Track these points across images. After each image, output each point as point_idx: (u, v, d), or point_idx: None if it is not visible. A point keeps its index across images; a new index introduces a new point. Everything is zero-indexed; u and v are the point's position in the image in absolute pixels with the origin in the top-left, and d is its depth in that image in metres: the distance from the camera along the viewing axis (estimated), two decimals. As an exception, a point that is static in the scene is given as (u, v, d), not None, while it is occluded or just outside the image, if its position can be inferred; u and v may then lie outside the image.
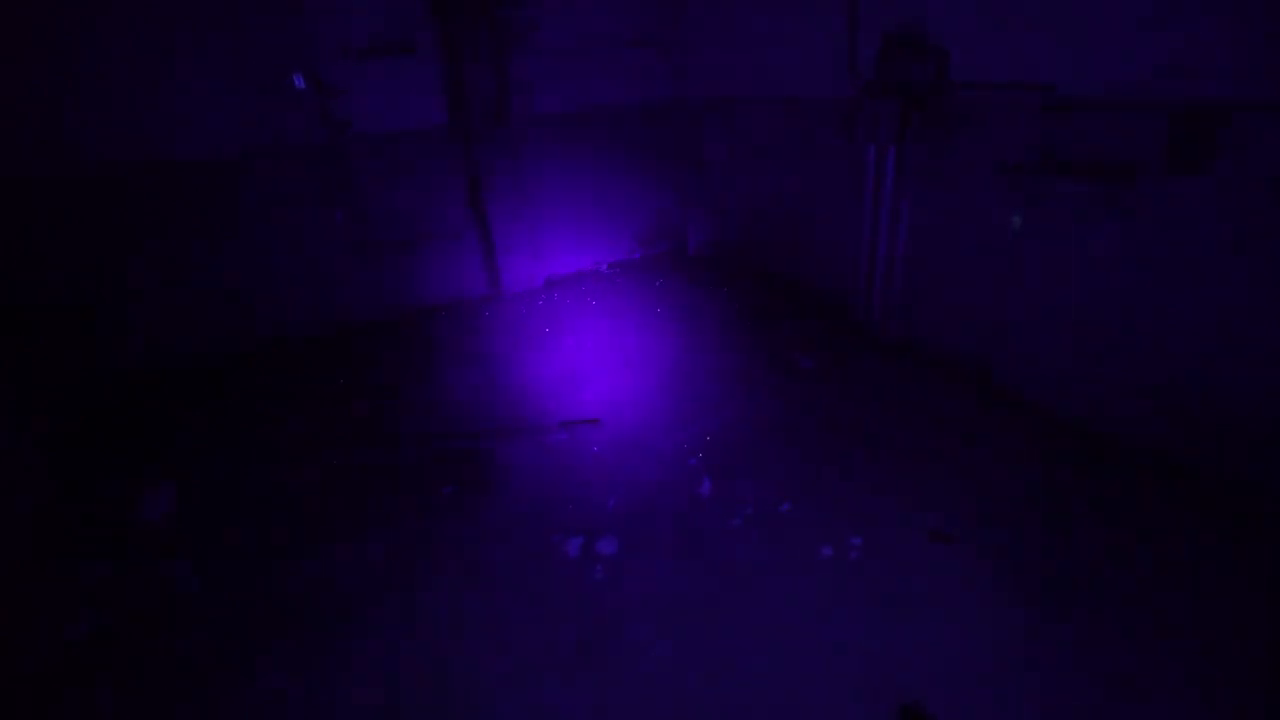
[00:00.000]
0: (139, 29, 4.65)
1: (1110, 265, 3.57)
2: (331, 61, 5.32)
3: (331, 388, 4.41)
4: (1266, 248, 2.95)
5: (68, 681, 2.21)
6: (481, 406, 4.59)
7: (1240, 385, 3.19)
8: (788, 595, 2.93)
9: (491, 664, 2.68)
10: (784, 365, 4.90)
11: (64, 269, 4.43)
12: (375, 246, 5.96)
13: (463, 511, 3.58)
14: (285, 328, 5.75)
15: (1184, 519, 3.19)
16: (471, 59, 5.77)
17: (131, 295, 4.90)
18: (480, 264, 6.57)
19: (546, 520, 3.49)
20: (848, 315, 5.45)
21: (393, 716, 2.46)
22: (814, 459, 3.82)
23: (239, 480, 3.33)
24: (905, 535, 3.23)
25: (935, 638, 2.68)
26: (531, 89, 6.17)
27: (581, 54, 6.32)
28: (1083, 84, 3.45)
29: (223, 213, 5.25)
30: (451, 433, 3.93)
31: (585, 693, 2.52)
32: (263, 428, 3.94)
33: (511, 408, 4.55)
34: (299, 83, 5.17)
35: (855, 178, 5.03)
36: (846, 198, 5.22)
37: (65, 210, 4.51)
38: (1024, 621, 2.72)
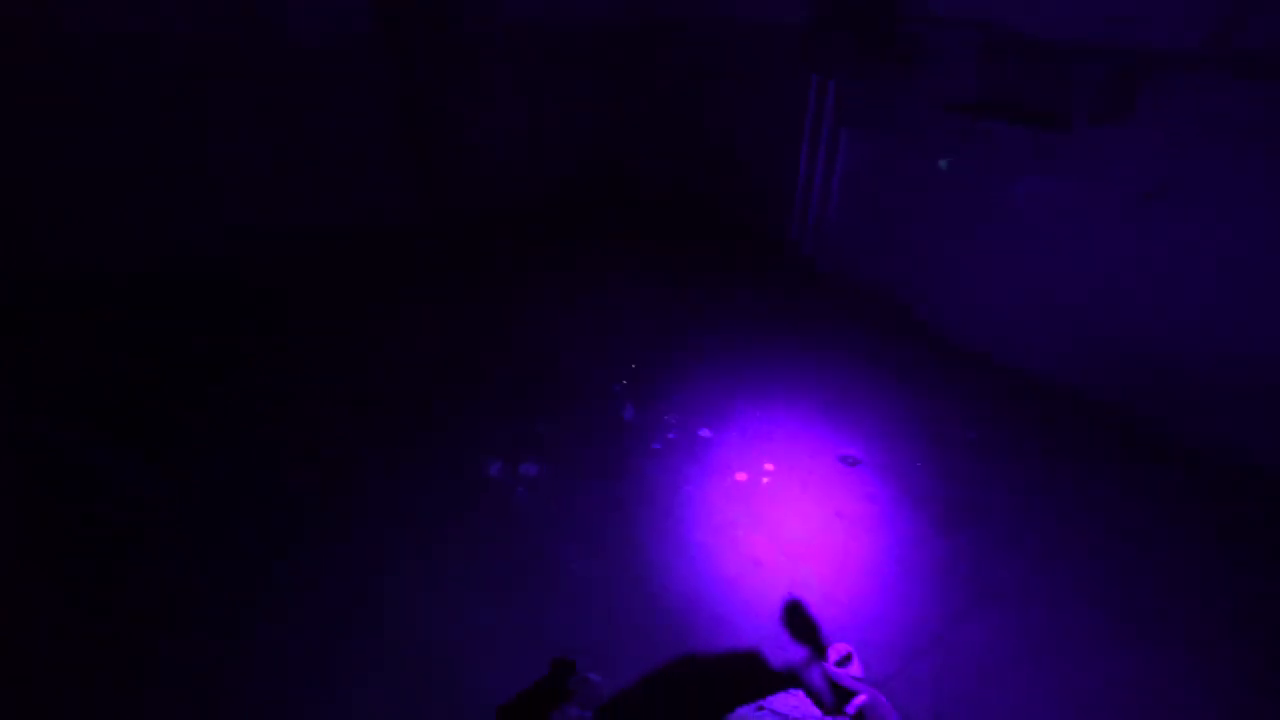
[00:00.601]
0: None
1: (1031, 207, 3.71)
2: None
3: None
4: (1177, 196, 3.12)
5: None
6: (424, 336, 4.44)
7: (1147, 320, 3.46)
8: (705, 512, 3.06)
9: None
10: (717, 296, 4.94)
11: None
12: (299, 166, 5.46)
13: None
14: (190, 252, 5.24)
15: (1087, 452, 3.50)
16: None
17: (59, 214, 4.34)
18: (410, 186, 6.16)
19: (477, 444, 3.48)
20: (785, 246, 5.50)
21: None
22: (735, 389, 3.93)
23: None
24: (816, 460, 3.40)
25: (838, 546, 2.89)
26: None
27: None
28: (1027, 23, 3.46)
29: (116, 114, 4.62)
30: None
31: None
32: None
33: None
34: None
35: (799, 105, 4.95)
36: (790, 126, 5.16)
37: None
38: (917, 533, 2.97)
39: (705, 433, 3.57)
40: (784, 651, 2.43)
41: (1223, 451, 3.30)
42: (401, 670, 2.37)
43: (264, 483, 3.17)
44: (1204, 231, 3.07)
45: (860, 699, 1.98)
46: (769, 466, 3.35)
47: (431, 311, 4.65)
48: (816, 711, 1.98)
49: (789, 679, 2.17)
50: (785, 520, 3.05)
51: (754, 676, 2.34)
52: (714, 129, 6.07)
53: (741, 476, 3.29)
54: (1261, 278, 2.95)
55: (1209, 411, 3.30)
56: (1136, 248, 3.33)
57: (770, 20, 5.02)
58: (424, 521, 2.99)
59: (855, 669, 2.25)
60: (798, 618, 2.57)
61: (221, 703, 2.23)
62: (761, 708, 1.95)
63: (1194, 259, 3.14)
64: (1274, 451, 3.15)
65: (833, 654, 2.32)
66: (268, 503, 3.06)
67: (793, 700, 2.00)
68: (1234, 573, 2.81)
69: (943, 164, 4.06)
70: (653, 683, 2.33)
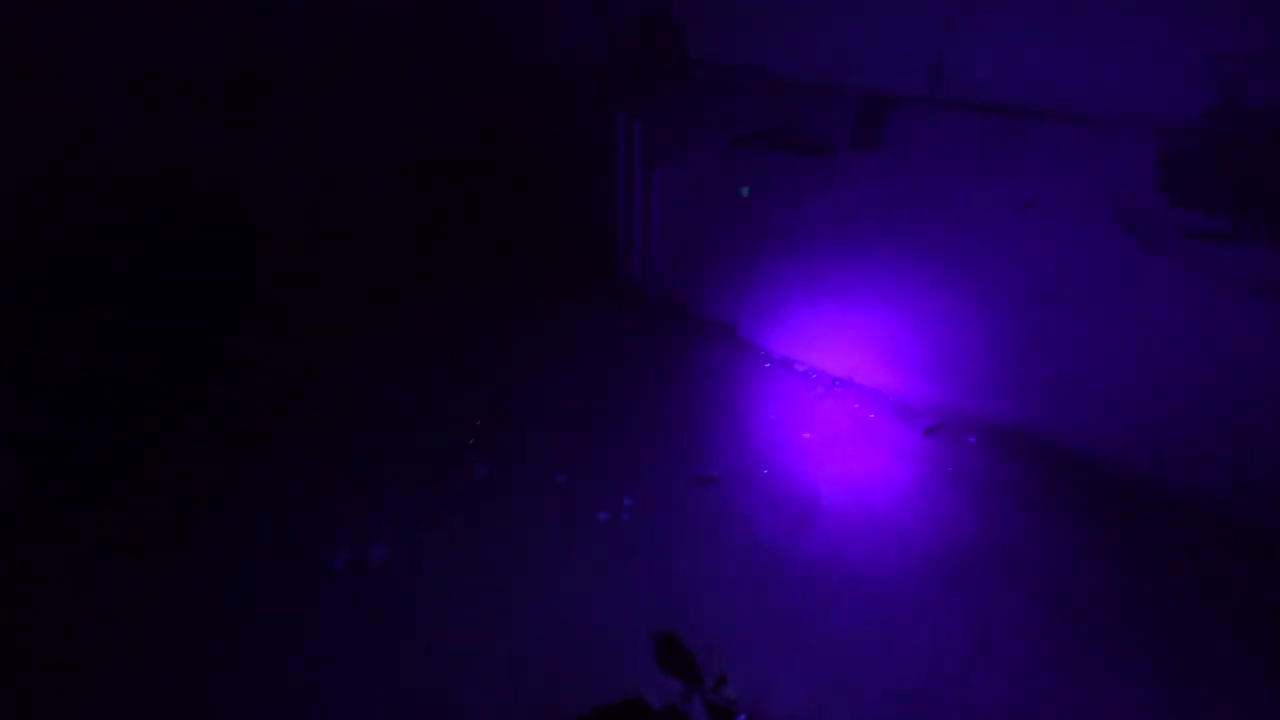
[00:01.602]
0: None
1: (821, 224, 4.14)
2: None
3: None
4: (925, 212, 3.64)
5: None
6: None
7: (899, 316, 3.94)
8: (572, 558, 2.99)
9: (242, 712, 2.34)
10: (556, 342, 4.94)
11: None
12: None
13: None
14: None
15: (894, 440, 3.89)
16: None
17: None
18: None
19: (317, 527, 3.12)
20: (619, 279, 5.65)
21: None
22: (587, 428, 3.92)
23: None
24: (674, 484, 3.47)
25: (705, 563, 2.94)
26: None
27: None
28: (789, 69, 3.90)
29: None
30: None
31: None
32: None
33: (252, 416, 3.96)
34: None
35: (613, 145, 5.16)
36: (606, 165, 5.35)
37: None
38: (774, 535, 3.11)
39: (561, 479, 3.51)
40: (662, 688, 2.41)
41: (942, 410, 3.85)
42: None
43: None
44: (931, 241, 3.62)
45: (740, 718, 2.00)
46: (628, 501, 3.36)
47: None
48: (702, 742, 1.97)
49: (672, 716, 2.15)
50: (651, 551, 3.06)
51: (639, 721, 2.29)
52: (543, 163, 6.14)
53: (604, 515, 3.27)
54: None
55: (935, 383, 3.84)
56: (896, 248, 3.83)
57: (581, 65, 5.22)
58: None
59: (730, 689, 2.28)
60: (672, 650, 2.57)
61: None
62: (647, 754, 1.91)
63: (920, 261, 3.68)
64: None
65: (708, 679, 2.34)
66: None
67: (677, 737, 1.97)
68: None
69: (744, 191, 4.41)
70: (537, 756, 2.19)
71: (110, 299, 3.87)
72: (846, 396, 4.23)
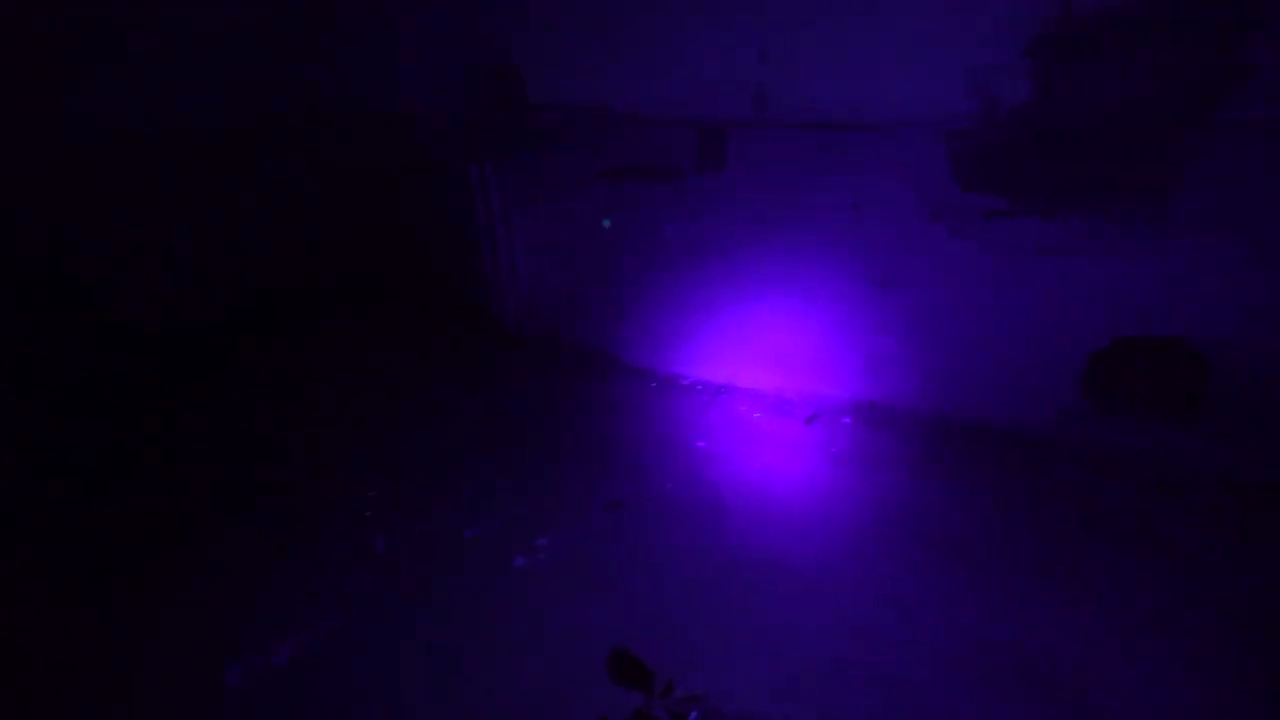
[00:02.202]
0: None
1: (676, 243, 4.40)
2: None
3: None
4: (770, 222, 4.00)
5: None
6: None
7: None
8: (492, 613, 2.88)
9: None
10: (435, 394, 4.78)
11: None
12: None
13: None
14: None
15: (782, 437, 4.16)
16: None
17: None
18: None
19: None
20: (496, 325, 5.59)
21: None
22: (490, 473, 3.82)
23: None
24: (579, 518, 3.46)
25: (634, 585, 2.95)
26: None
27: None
28: (630, 106, 4.17)
29: None
30: None
31: None
32: None
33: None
34: None
35: (469, 192, 5.15)
36: (465, 212, 5.32)
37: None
38: (696, 541, 3.19)
39: (469, 533, 3.38)
40: (626, 703, 2.38)
41: (817, 399, 4.27)
42: None
43: None
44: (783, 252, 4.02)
45: (692, 716, 2.04)
46: (542, 541, 3.30)
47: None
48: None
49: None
50: (576, 583, 3.03)
51: (600, 751, 2.24)
52: (401, 216, 5.96)
53: (520, 561, 3.19)
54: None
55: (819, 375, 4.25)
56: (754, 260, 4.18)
57: (428, 112, 5.21)
58: None
59: (680, 692, 2.31)
60: (626, 665, 2.54)
61: None
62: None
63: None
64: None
65: (659, 687, 2.36)
66: None
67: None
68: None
69: (606, 223, 4.59)
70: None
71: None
72: (731, 401, 4.48)
